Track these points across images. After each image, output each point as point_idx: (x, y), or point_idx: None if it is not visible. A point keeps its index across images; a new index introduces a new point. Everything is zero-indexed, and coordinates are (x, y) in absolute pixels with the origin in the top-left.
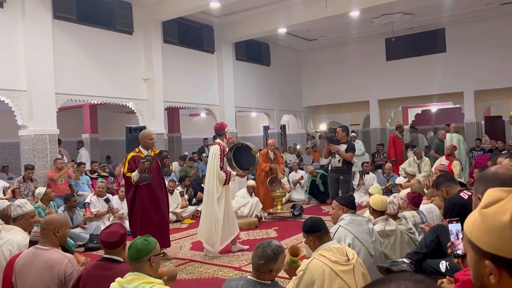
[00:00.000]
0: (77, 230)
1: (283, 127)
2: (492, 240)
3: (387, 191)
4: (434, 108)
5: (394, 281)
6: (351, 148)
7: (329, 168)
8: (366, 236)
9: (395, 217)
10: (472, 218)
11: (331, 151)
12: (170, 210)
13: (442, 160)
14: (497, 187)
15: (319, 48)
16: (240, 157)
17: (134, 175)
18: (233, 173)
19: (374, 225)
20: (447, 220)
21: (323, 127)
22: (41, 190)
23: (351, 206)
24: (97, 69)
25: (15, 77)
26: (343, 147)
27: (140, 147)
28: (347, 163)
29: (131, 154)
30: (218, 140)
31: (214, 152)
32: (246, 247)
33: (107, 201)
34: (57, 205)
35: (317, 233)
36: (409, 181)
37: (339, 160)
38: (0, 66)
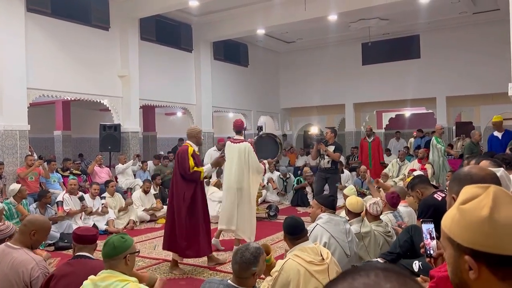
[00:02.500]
0: None
1: (260, 128)
2: (471, 236)
3: (361, 194)
4: (407, 112)
5: (363, 269)
6: (338, 149)
7: (318, 168)
8: (342, 236)
9: (377, 218)
10: (450, 215)
11: (320, 153)
12: (144, 209)
13: (415, 164)
14: (473, 184)
15: (297, 51)
16: (260, 148)
17: (206, 169)
18: (265, 161)
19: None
20: (421, 220)
21: (314, 129)
22: (15, 186)
23: (329, 205)
24: (71, 65)
25: None
26: (331, 148)
27: (189, 142)
28: (335, 164)
29: (190, 149)
30: (239, 137)
31: (246, 149)
32: (222, 248)
33: (81, 199)
34: (28, 202)
35: (293, 235)
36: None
37: (328, 161)
38: None
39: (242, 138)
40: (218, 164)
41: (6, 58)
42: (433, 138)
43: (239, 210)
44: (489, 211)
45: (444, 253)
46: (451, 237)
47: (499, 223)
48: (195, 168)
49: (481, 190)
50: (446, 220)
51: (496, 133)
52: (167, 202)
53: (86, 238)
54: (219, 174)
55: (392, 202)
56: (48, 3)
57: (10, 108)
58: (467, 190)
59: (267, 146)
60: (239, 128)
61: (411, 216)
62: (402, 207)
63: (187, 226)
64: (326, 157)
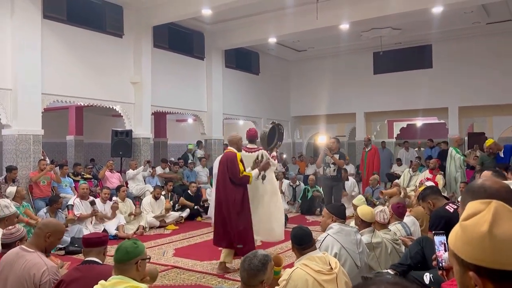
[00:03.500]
0: None
1: None
2: (473, 251)
3: (371, 203)
4: (419, 122)
5: (374, 283)
6: (342, 157)
7: (324, 176)
8: (353, 247)
9: (384, 226)
10: (454, 231)
11: (326, 161)
12: (154, 215)
13: (426, 174)
14: (479, 200)
15: (308, 59)
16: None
17: (254, 174)
18: (274, 153)
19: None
20: (433, 232)
21: (322, 139)
22: (11, 189)
23: (340, 215)
24: (85, 71)
25: (1, 75)
26: (336, 156)
27: (232, 149)
28: (339, 172)
29: (238, 155)
30: (253, 145)
31: (264, 156)
32: None
33: (92, 203)
34: (39, 207)
35: (300, 245)
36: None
37: (334, 170)
38: None
39: (256, 146)
40: (265, 168)
41: (23, 63)
42: (451, 148)
43: (256, 216)
44: (488, 226)
45: None
46: (456, 253)
47: (499, 238)
48: (245, 173)
49: (483, 206)
50: (451, 236)
51: (500, 153)
52: (175, 208)
53: (91, 241)
54: (264, 178)
55: (399, 212)
56: (64, 10)
57: (25, 113)
58: (471, 206)
59: (273, 136)
60: (252, 137)
61: (414, 224)
62: (405, 217)
63: (239, 225)
64: (331, 165)
